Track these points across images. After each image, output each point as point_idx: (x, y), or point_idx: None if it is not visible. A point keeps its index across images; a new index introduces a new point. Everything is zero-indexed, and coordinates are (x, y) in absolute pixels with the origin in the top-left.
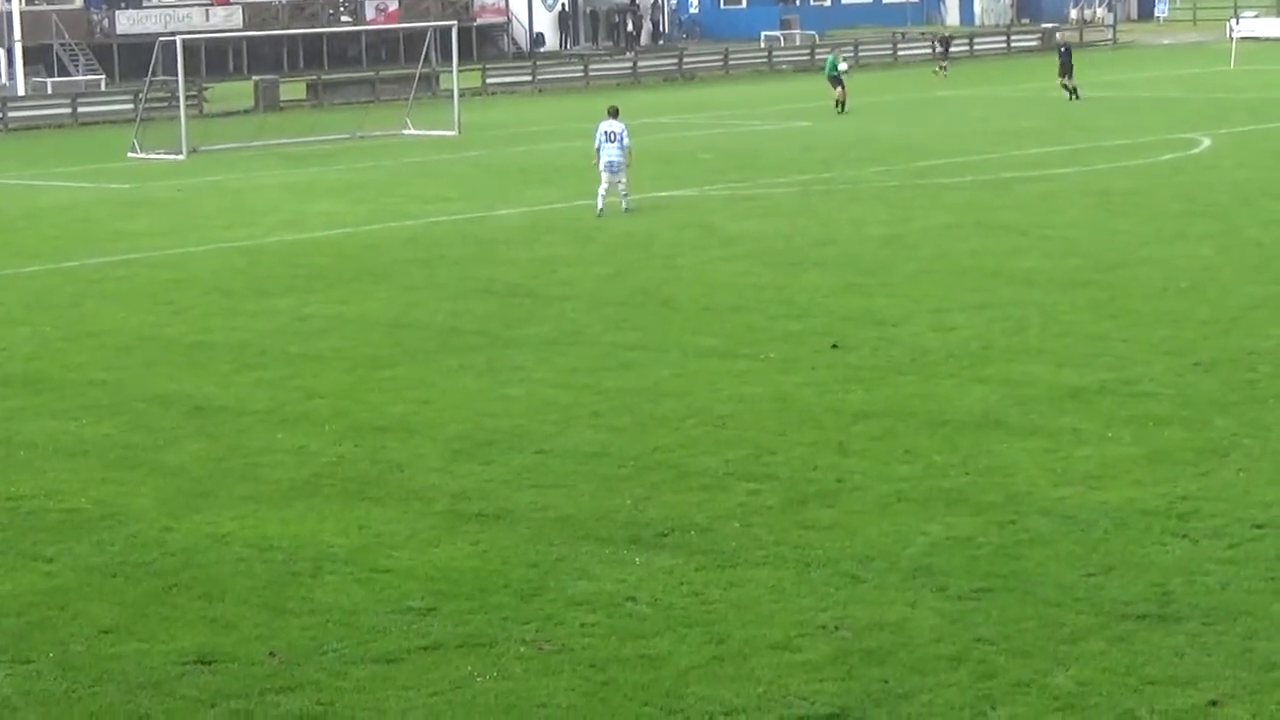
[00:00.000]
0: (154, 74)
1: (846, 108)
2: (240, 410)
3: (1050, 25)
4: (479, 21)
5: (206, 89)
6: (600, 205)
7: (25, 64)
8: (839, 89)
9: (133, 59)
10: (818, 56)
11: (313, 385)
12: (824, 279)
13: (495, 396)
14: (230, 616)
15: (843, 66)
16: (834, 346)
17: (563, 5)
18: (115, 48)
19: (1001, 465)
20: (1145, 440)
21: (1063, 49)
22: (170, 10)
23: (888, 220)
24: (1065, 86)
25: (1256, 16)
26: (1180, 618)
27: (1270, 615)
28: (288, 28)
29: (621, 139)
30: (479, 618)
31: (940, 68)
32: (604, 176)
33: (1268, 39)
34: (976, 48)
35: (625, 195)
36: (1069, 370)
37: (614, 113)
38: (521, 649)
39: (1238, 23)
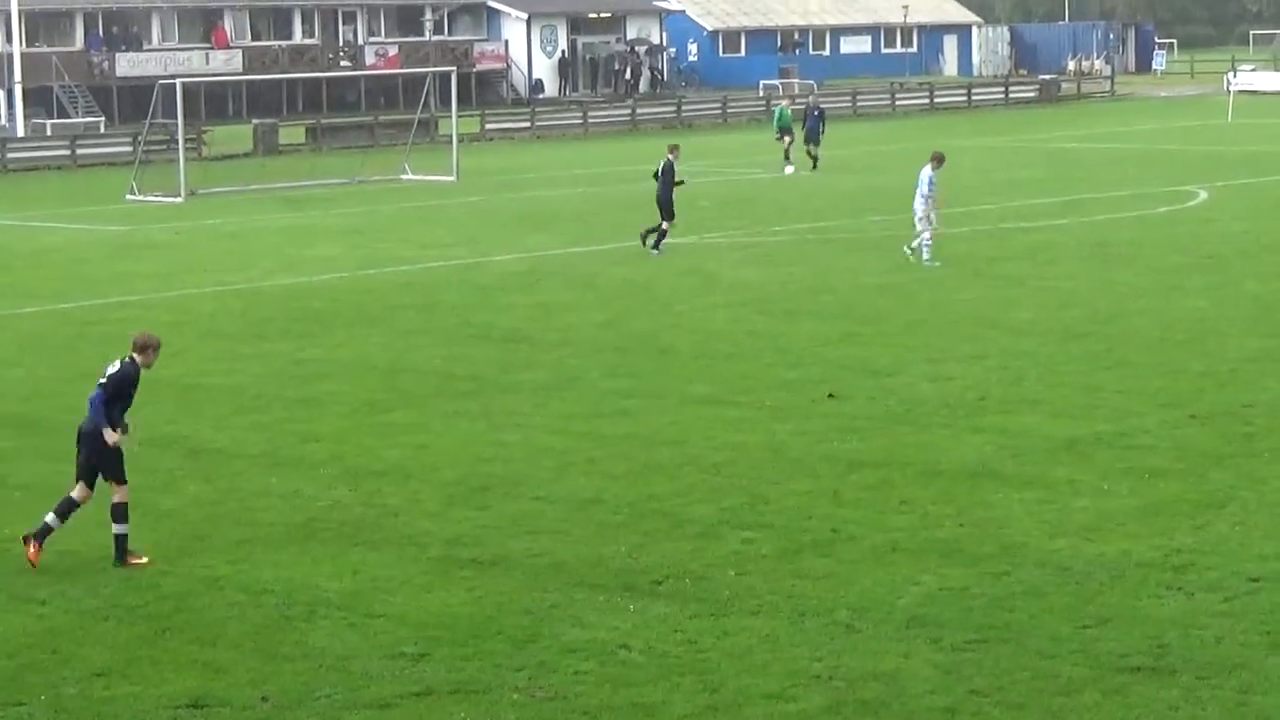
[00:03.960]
0: (153, 117)
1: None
2: (236, 453)
3: (1048, 76)
4: (478, 68)
5: (206, 132)
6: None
7: (25, 105)
8: (788, 138)
9: (132, 101)
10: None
11: (308, 429)
12: (821, 328)
13: (491, 442)
14: (223, 661)
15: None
16: (830, 395)
17: (562, 52)
18: (115, 90)
19: (996, 516)
20: (1141, 492)
21: (815, 111)
22: (170, 53)
23: (884, 269)
24: (810, 154)
25: (1254, 70)
26: (1175, 671)
27: (1265, 669)
28: (287, 72)
29: (922, 187)
30: (472, 664)
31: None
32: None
33: (1265, 93)
34: (974, 98)
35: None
36: (1065, 421)
37: (935, 159)
38: (515, 696)
39: (1235, 76)
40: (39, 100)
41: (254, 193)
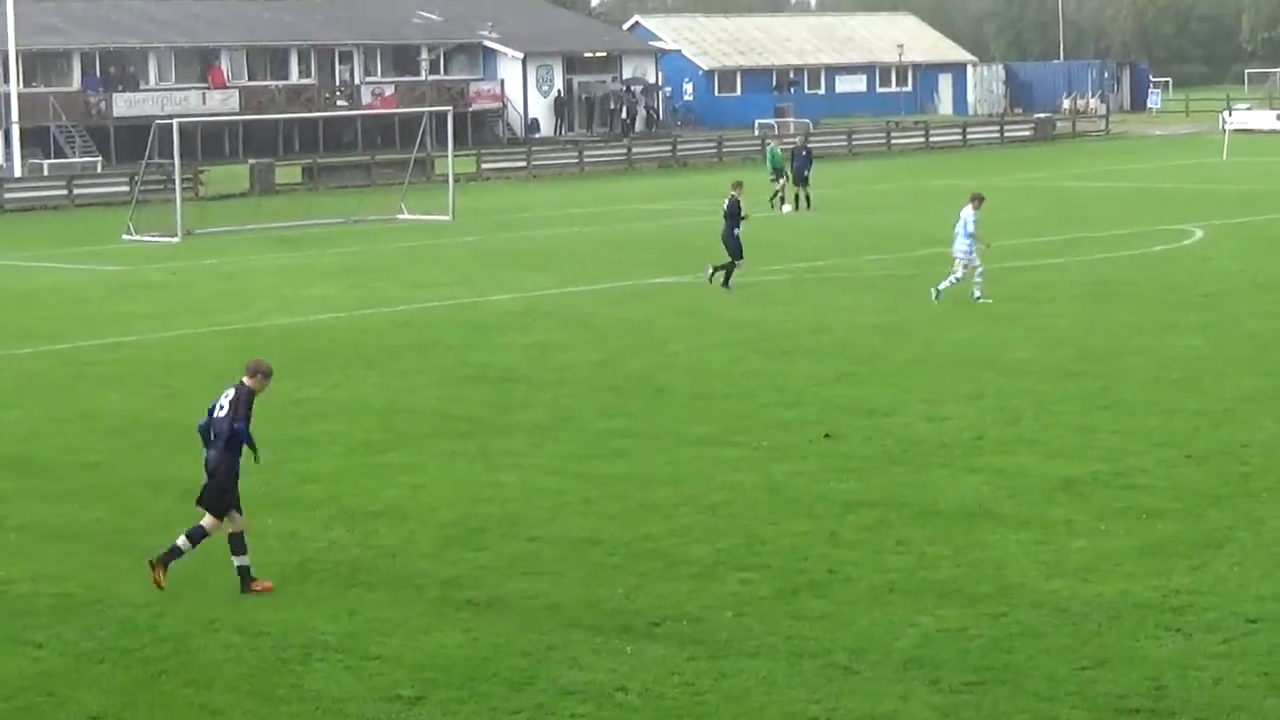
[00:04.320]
0: (150, 157)
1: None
2: None
3: (1044, 115)
4: (475, 107)
5: (202, 172)
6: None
7: (22, 146)
8: (781, 180)
9: (129, 141)
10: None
11: (305, 470)
12: (817, 367)
13: (488, 483)
14: (219, 704)
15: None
16: (826, 436)
17: (558, 92)
18: (112, 130)
19: (993, 557)
20: (1138, 532)
21: (803, 152)
22: (167, 93)
23: (881, 309)
24: (801, 195)
25: (1249, 109)
26: (1174, 713)
27: (1264, 711)
28: (284, 112)
29: (965, 227)
30: (469, 707)
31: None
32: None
33: (1260, 131)
34: (970, 137)
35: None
36: (1061, 461)
37: (975, 200)
38: None
39: (1230, 115)
40: (36, 140)
41: (250, 233)
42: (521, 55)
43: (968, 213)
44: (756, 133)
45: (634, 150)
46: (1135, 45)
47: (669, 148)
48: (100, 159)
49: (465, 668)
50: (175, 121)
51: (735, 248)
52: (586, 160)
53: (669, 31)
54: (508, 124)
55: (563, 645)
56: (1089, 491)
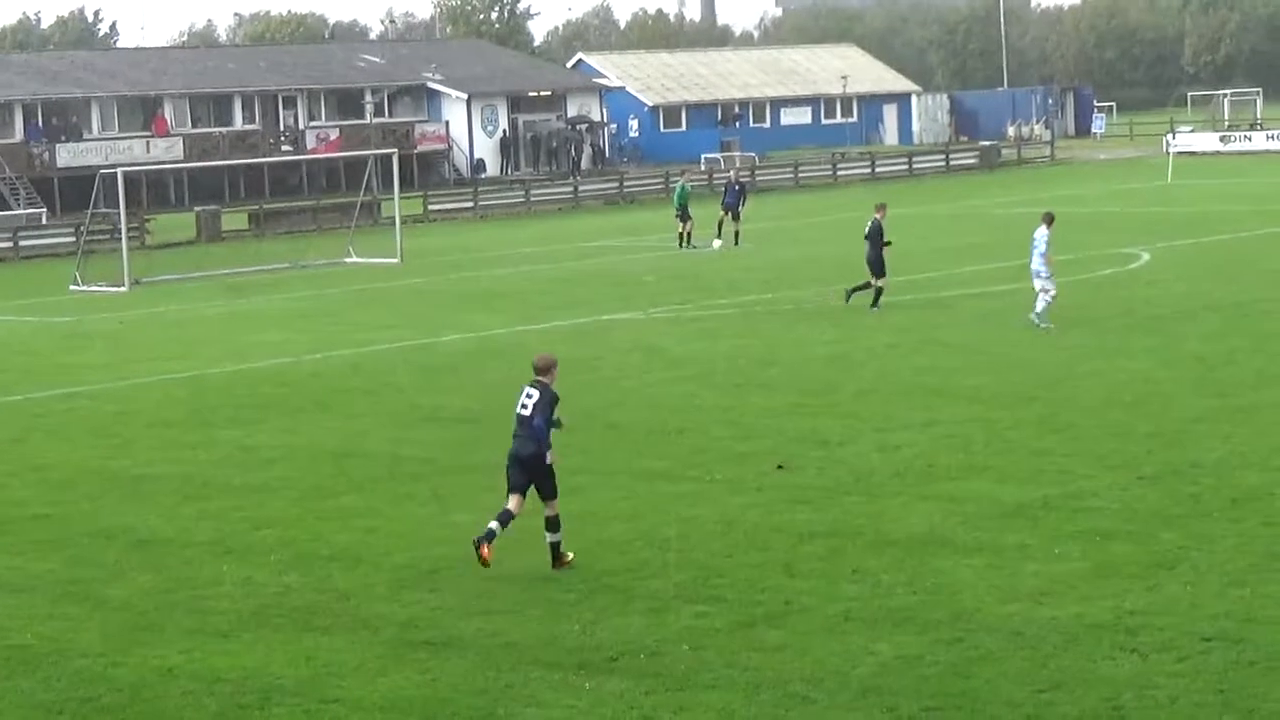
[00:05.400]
0: (95, 207)
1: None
2: (185, 542)
3: (988, 143)
4: (420, 149)
5: (148, 220)
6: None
7: None
8: (687, 222)
9: (74, 192)
10: (759, 179)
11: (258, 516)
12: (769, 400)
13: (442, 524)
14: None
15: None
16: (780, 467)
17: (503, 131)
18: (56, 181)
19: (948, 583)
20: (1091, 555)
21: (736, 185)
22: (111, 143)
23: (831, 340)
24: (731, 230)
25: (1192, 131)
26: None
27: None
28: (229, 158)
29: (1039, 246)
30: None
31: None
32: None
33: (1204, 153)
34: (915, 167)
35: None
36: (1014, 486)
37: (1047, 219)
38: None
39: (1174, 138)
40: None
41: (198, 280)
42: (466, 96)
43: (1043, 232)
44: (703, 167)
45: (580, 188)
46: (1078, 70)
47: (615, 184)
48: (45, 210)
49: (424, 708)
50: (120, 171)
51: (880, 268)
52: (533, 199)
53: (613, 68)
54: (453, 165)
55: (521, 683)
56: (1042, 515)
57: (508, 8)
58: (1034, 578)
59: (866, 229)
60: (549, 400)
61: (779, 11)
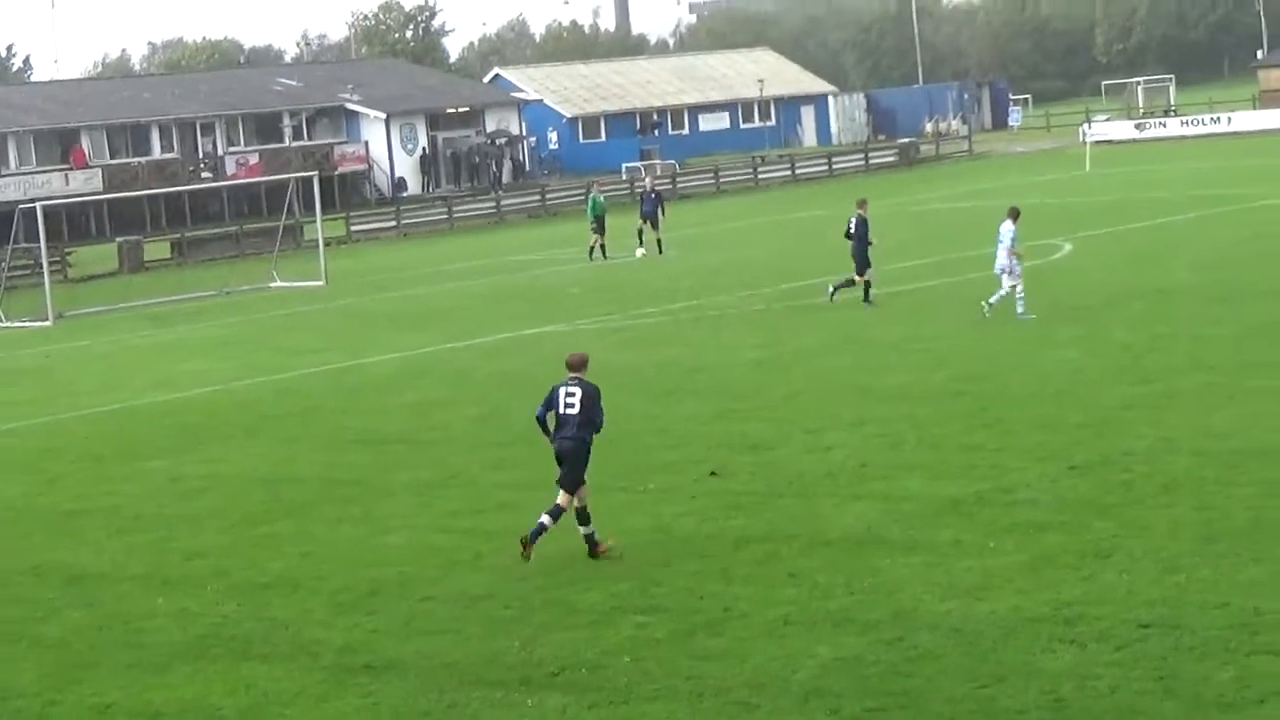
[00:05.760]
0: (15, 241)
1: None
2: (119, 576)
3: (907, 140)
4: (340, 170)
5: (70, 253)
6: (987, 306)
7: None
8: (599, 235)
9: None
10: (680, 186)
11: (191, 546)
12: (699, 407)
13: (376, 546)
14: None
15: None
16: (712, 474)
17: (423, 149)
18: None
19: (886, 582)
20: (1026, 547)
21: (652, 194)
22: (29, 177)
23: (759, 344)
24: (641, 236)
25: (1108, 120)
26: None
27: (1162, 714)
28: (148, 187)
29: (1004, 240)
30: None
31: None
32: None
33: (1120, 141)
34: (835, 167)
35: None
36: (946, 482)
37: (1012, 214)
38: None
39: (1090, 127)
40: None
41: (122, 311)
42: (384, 115)
43: (1009, 227)
44: (624, 177)
45: (503, 203)
46: (993, 64)
47: (538, 198)
48: None
49: None
50: (39, 205)
51: (864, 262)
52: (456, 216)
53: (529, 82)
54: (375, 185)
55: (463, 703)
56: (975, 510)
57: (422, 25)
58: (970, 573)
59: (850, 226)
60: (592, 394)
61: (693, 18)
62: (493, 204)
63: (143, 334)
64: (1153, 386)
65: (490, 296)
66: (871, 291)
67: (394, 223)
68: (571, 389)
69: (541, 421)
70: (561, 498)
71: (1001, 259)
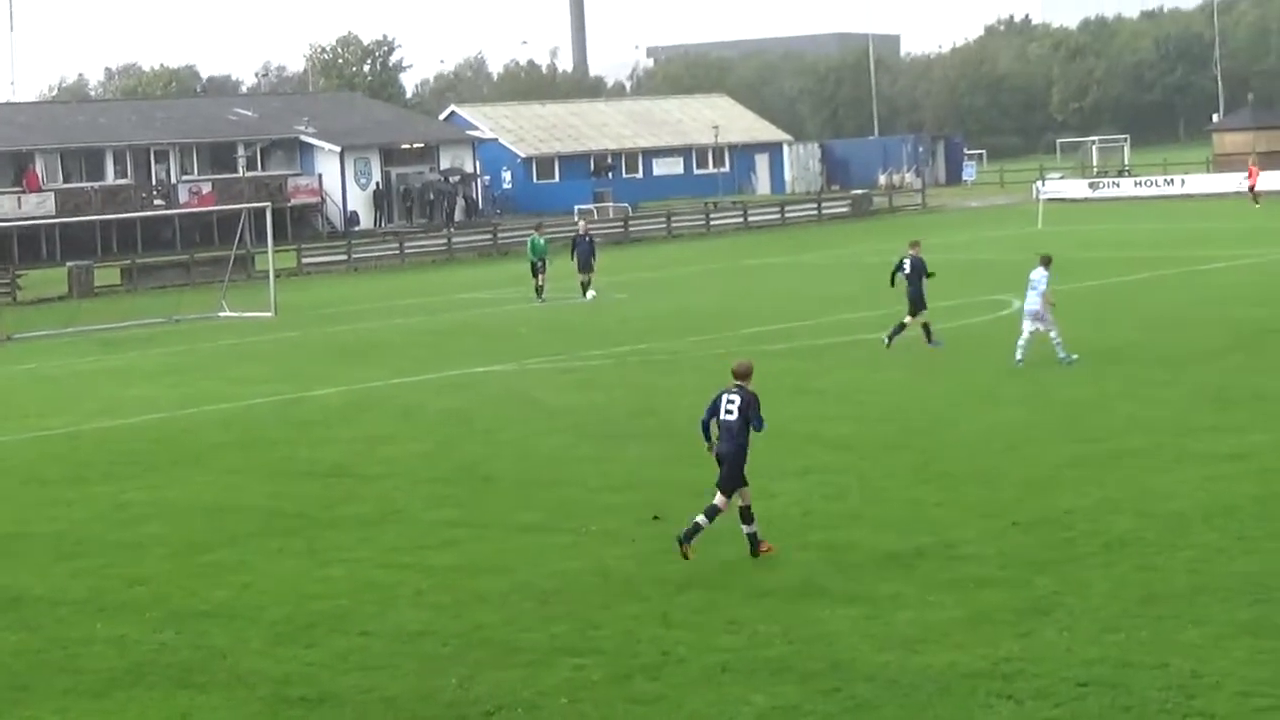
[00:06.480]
0: None
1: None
2: (58, 600)
3: (860, 191)
4: (293, 202)
5: (20, 276)
6: (1019, 355)
7: None
8: (541, 276)
9: None
10: (632, 229)
11: (132, 573)
12: (644, 450)
13: (317, 578)
14: None
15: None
16: (655, 518)
17: (376, 184)
18: None
19: (824, 633)
20: (966, 602)
21: (586, 239)
22: None
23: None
24: (582, 283)
25: (1062, 178)
26: None
27: None
28: (101, 213)
29: (1038, 286)
30: None
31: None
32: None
33: (1073, 200)
34: (788, 215)
35: (1056, 344)
36: (888, 535)
37: (1044, 261)
38: None
39: (1044, 184)
40: None
41: (71, 336)
42: (339, 149)
43: (1040, 273)
44: (576, 218)
45: (454, 240)
46: (949, 118)
47: (489, 236)
48: None
49: None
50: None
51: (920, 302)
52: (407, 251)
53: (485, 120)
54: (327, 218)
55: None
56: (916, 564)
57: (380, 60)
58: (909, 626)
59: (906, 267)
60: (751, 401)
61: (650, 62)
62: (444, 241)
63: (91, 359)
64: (1098, 446)
65: (439, 333)
66: (932, 329)
67: (345, 256)
68: (732, 396)
69: (705, 427)
70: (719, 499)
71: (1033, 303)
